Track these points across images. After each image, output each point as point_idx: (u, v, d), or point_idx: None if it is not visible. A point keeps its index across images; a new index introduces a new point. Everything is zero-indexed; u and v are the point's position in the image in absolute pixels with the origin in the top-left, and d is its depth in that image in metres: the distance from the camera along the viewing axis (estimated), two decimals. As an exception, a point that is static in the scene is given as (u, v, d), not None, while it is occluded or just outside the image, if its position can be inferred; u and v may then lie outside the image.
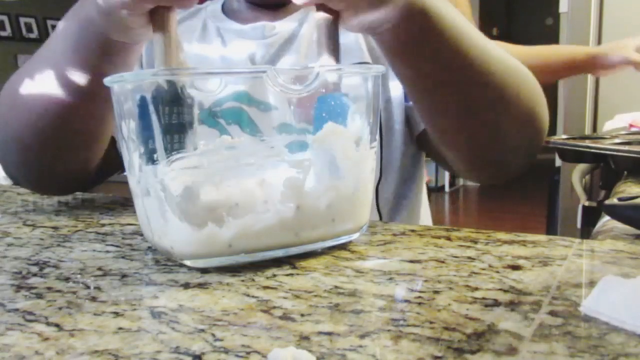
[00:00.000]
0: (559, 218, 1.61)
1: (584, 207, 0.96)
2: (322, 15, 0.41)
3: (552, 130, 0.95)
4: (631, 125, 1.10)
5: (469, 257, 0.37)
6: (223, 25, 0.69)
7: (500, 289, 0.31)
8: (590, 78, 1.58)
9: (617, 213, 0.44)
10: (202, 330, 0.27)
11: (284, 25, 0.66)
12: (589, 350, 0.23)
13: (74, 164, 0.57)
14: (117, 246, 0.42)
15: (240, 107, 0.48)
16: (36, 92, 0.51)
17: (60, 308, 0.30)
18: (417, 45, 0.43)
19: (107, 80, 0.37)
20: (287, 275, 0.35)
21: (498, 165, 0.54)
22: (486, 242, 0.40)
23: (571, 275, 0.33)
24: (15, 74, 0.54)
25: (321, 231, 0.38)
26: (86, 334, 0.27)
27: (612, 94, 1.54)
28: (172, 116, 0.35)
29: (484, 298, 0.30)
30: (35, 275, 0.36)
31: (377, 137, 0.41)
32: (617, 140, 0.78)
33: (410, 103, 0.63)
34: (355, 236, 0.40)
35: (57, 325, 0.28)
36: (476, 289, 0.31)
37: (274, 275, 0.35)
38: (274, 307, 0.29)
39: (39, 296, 0.32)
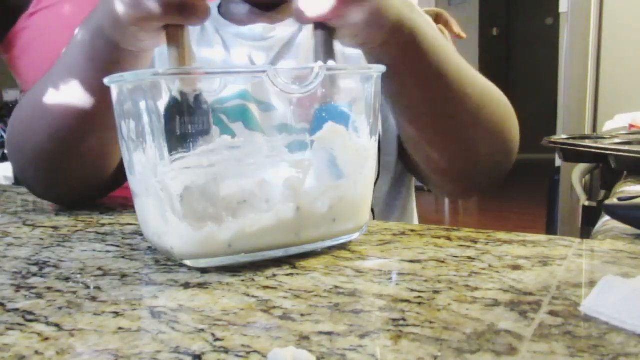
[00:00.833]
0: (559, 218, 1.61)
1: (584, 207, 0.96)
2: (320, 30, 0.42)
3: (552, 130, 0.95)
4: (631, 126, 1.10)
5: (469, 257, 0.37)
6: (221, 27, 0.69)
7: (500, 289, 0.31)
8: (590, 78, 1.58)
9: (617, 213, 0.44)
10: (202, 330, 0.27)
11: (282, 29, 0.66)
12: (589, 350, 0.23)
13: (94, 173, 0.57)
14: (117, 246, 0.42)
15: (245, 105, 0.48)
16: (54, 103, 0.51)
17: (60, 308, 0.30)
18: (403, 61, 0.46)
19: (106, 80, 0.37)
20: (287, 275, 0.35)
21: (468, 183, 0.57)
22: (486, 242, 0.40)
23: (571, 275, 0.33)
24: (33, 88, 0.55)
25: (321, 231, 0.38)
26: (86, 334, 0.27)
27: (612, 94, 1.54)
28: (189, 125, 0.35)
29: (484, 298, 0.30)
30: (35, 275, 0.36)
31: (377, 136, 0.41)
32: (617, 140, 0.78)
33: None
34: (355, 236, 0.40)
35: (57, 325, 0.28)
36: (476, 289, 0.31)
37: (274, 275, 0.35)
38: (274, 307, 0.29)
39: (39, 296, 0.32)
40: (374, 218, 0.65)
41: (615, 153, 0.69)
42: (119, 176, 0.61)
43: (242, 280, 0.34)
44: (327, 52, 0.42)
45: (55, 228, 0.49)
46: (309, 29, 0.65)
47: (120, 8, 0.42)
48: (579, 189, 1.07)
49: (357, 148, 0.39)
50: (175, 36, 0.40)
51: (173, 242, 0.35)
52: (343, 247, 0.40)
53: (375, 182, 0.64)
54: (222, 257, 0.35)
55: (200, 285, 0.33)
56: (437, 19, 1.21)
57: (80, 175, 0.56)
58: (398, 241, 0.41)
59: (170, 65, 0.40)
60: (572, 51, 1.62)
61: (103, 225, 0.49)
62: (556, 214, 1.62)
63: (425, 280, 0.33)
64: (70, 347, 0.25)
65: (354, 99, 0.39)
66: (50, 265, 0.38)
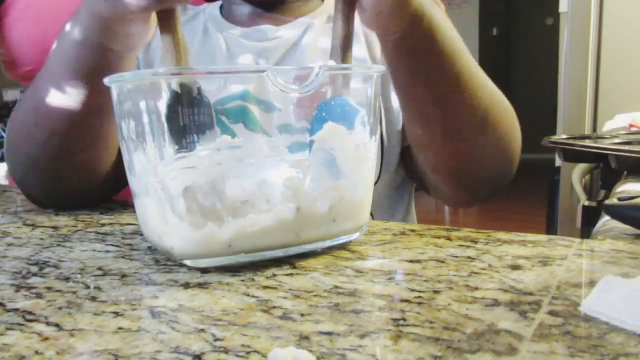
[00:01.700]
0: (558, 218, 1.61)
1: (584, 207, 0.96)
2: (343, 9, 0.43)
3: (552, 130, 0.95)
4: (631, 126, 1.10)
5: (469, 257, 0.37)
6: (224, 29, 0.68)
7: (500, 289, 0.31)
8: (590, 78, 1.58)
9: (617, 213, 0.44)
10: (202, 330, 0.27)
11: (287, 31, 0.66)
12: (589, 350, 0.23)
13: (90, 177, 0.56)
14: (117, 246, 0.42)
15: (245, 106, 0.48)
16: (43, 111, 0.51)
17: (60, 308, 0.30)
18: (418, 53, 0.46)
19: (106, 80, 0.37)
20: (287, 275, 0.35)
21: (470, 189, 0.57)
22: (486, 242, 0.40)
23: (571, 275, 0.33)
24: (23, 95, 0.55)
25: (321, 231, 0.38)
26: (86, 334, 0.27)
27: (612, 94, 1.54)
28: (193, 117, 0.35)
29: (483, 298, 0.30)
30: (35, 275, 0.36)
31: (377, 136, 0.41)
32: (617, 140, 0.78)
33: None
34: (355, 236, 0.40)
35: (57, 325, 0.28)
36: (476, 288, 0.31)
37: (274, 275, 0.35)
38: (274, 307, 0.29)
39: (39, 296, 0.32)
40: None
41: (615, 153, 0.69)
42: (121, 178, 0.61)
43: (242, 280, 0.34)
44: (346, 21, 0.43)
45: (55, 228, 0.49)
46: (314, 31, 0.65)
47: (105, 7, 0.42)
48: (579, 189, 1.07)
49: (357, 148, 0.39)
50: (168, 24, 0.40)
51: (173, 242, 0.35)
52: (343, 247, 0.40)
53: (376, 183, 0.64)
54: (222, 257, 0.35)
55: (200, 285, 0.33)
56: None
57: (78, 178, 0.56)
58: (398, 241, 0.41)
59: (164, 51, 0.40)
60: (572, 51, 1.62)
61: (103, 225, 0.49)
62: (556, 214, 1.62)
63: (425, 280, 0.33)
64: (70, 347, 0.25)
65: (354, 99, 0.39)
66: (50, 265, 0.38)
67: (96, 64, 0.47)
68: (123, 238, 0.45)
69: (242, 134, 0.37)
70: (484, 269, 0.34)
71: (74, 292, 0.33)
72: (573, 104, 1.62)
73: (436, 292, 0.31)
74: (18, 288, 0.34)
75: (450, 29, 0.48)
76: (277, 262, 0.37)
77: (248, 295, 0.31)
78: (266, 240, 0.36)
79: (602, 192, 0.94)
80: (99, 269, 0.37)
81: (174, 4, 0.40)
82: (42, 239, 0.45)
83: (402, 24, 0.43)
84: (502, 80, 4.77)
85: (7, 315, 0.29)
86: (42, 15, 0.88)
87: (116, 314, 0.29)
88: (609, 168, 0.74)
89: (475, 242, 0.40)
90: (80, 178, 0.56)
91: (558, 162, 1.66)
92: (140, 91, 0.35)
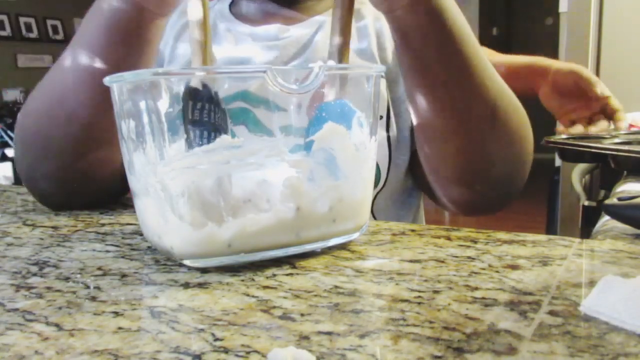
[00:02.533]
0: (558, 218, 1.61)
1: (584, 207, 0.96)
2: None
3: (552, 130, 0.95)
4: (631, 125, 1.10)
5: (469, 257, 0.37)
6: (234, 27, 0.67)
7: (500, 289, 0.31)
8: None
9: (617, 213, 0.44)
10: (202, 330, 0.27)
11: (298, 30, 0.64)
12: (589, 350, 0.23)
13: (105, 168, 0.55)
14: (117, 246, 0.42)
15: (247, 108, 0.48)
16: (70, 82, 0.51)
17: (60, 308, 0.30)
18: (423, 32, 0.45)
19: (107, 80, 0.37)
20: (287, 275, 0.35)
21: (476, 192, 0.53)
22: (486, 242, 0.40)
23: (571, 275, 0.33)
24: (45, 76, 0.54)
25: (321, 231, 0.38)
26: (86, 334, 0.27)
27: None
28: (209, 115, 0.35)
29: (483, 298, 0.30)
30: (35, 275, 0.36)
31: (377, 137, 0.41)
32: (617, 140, 0.78)
33: None
34: (355, 236, 0.40)
35: (57, 325, 0.28)
36: (476, 288, 0.31)
37: (274, 275, 0.35)
38: (274, 307, 0.29)
39: (39, 296, 0.32)
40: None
41: (614, 153, 0.69)
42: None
43: (242, 280, 0.34)
44: (346, 20, 0.44)
45: (55, 228, 0.49)
46: (326, 30, 0.64)
47: None
48: (579, 189, 1.07)
49: (357, 148, 0.39)
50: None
51: (173, 242, 0.35)
52: (343, 247, 0.40)
53: (383, 187, 0.63)
54: (222, 257, 0.35)
55: (200, 285, 0.33)
56: None
57: (95, 171, 0.54)
58: (398, 241, 0.41)
59: (191, 33, 0.41)
60: (571, 51, 1.62)
61: (103, 225, 0.49)
62: (556, 214, 1.62)
63: (425, 280, 0.33)
64: (70, 347, 0.25)
65: (354, 99, 0.39)
66: (50, 265, 0.38)
67: (130, 25, 0.47)
68: (123, 238, 0.45)
69: (244, 136, 0.37)
70: (483, 269, 0.34)
71: (74, 292, 0.33)
72: (573, 104, 1.62)
73: (436, 292, 0.31)
74: (18, 288, 0.34)
75: (459, 13, 0.46)
76: (277, 262, 0.37)
77: (248, 295, 0.31)
78: (266, 240, 0.36)
79: (602, 192, 0.94)
80: (99, 269, 0.37)
81: None
82: (42, 239, 0.45)
83: None
84: (502, 80, 4.76)
85: (7, 315, 0.29)
86: None
87: (116, 314, 0.29)
88: (609, 168, 0.74)
89: (475, 242, 0.40)
90: (98, 171, 0.54)
91: (558, 162, 1.66)
92: (140, 91, 0.35)
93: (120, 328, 0.27)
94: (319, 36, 0.64)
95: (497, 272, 0.34)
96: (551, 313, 0.27)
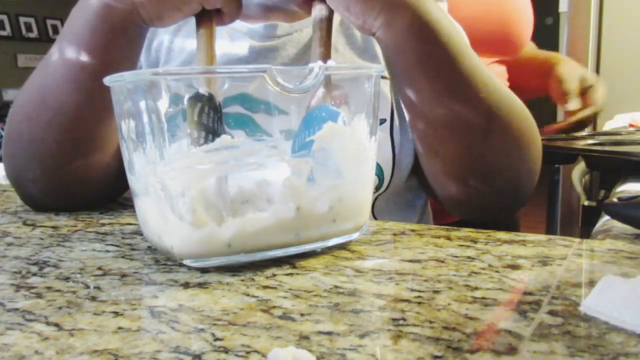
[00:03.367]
0: (558, 218, 1.61)
1: (583, 206, 0.96)
2: (320, 12, 0.45)
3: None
4: (631, 125, 1.10)
5: (469, 257, 0.37)
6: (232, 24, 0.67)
7: (500, 289, 0.31)
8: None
9: (617, 213, 0.44)
10: (202, 330, 0.27)
11: (299, 30, 0.63)
12: (589, 349, 0.23)
13: (93, 172, 0.54)
14: (117, 246, 0.42)
15: (246, 114, 0.48)
16: (52, 84, 0.50)
17: (60, 308, 0.30)
18: (399, 49, 0.46)
19: (107, 80, 0.37)
20: (287, 275, 0.35)
21: (481, 198, 0.52)
22: (486, 242, 0.40)
23: (571, 274, 0.33)
24: (30, 76, 0.53)
25: (321, 231, 0.38)
26: (86, 334, 0.27)
27: (612, 94, 1.54)
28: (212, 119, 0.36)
29: (483, 298, 0.30)
30: (35, 274, 0.36)
31: (378, 137, 0.41)
32: (590, 142, 0.79)
33: None
34: (355, 236, 0.40)
35: (56, 325, 0.28)
36: (476, 288, 0.31)
37: (274, 275, 0.35)
38: (274, 307, 0.29)
39: (39, 296, 0.32)
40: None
41: (585, 154, 0.70)
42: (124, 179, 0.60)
43: (242, 280, 0.34)
44: (325, 38, 0.45)
45: (55, 228, 0.49)
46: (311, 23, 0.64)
47: None
48: (579, 189, 1.07)
49: (357, 148, 0.39)
50: (206, 24, 0.44)
51: (173, 242, 0.35)
52: (343, 247, 0.40)
53: (387, 188, 0.63)
54: (222, 257, 0.35)
55: (200, 285, 0.33)
56: None
57: (83, 170, 0.53)
58: (398, 241, 0.41)
59: (198, 52, 0.42)
60: (571, 51, 1.62)
61: (103, 225, 0.49)
62: (556, 214, 1.62)
63: (425, 280, 0.33)
64: (70, 346, 0.25)
65: (353, 99, 0.39)
66: (50, 265, 0.38)
67: (117, 23, 0.47)
68: (123, 238, 0.45)
69: (242, 140, 0.37)
70: (483, 268, 0.34)
71: (74, 292, 0.33)
72: (573, 104, 1.62)
73: (436, 292, 0.31)
74: (18, 288, 0.34)
75: (444, 23, 0.46)
76: (277, 262, 0.37)
77: (248, 295, 0.31)
78: (266, 240, 0.36)
79: (602, 192, 0.94)
80: (99, 268, 0.37)
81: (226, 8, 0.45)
82: (42, 238, 0.45)
83: (377, 13, 0.44)
84: (502, 80, 4.75)
85: (7, 315, 0.29)
86: None
87: (116, 313, 0.29)
88: (608, 168, 0.75)
89: (475, 242, 0.40)
90: (88, 175, 0.53)
91: (558, 162, 1.65)
92: (140, 91, 0.35)
93: (120, 328, 0.27)
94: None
95: (497, 272, 0.34)
96: (551, 313, 0.27)
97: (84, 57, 0.48)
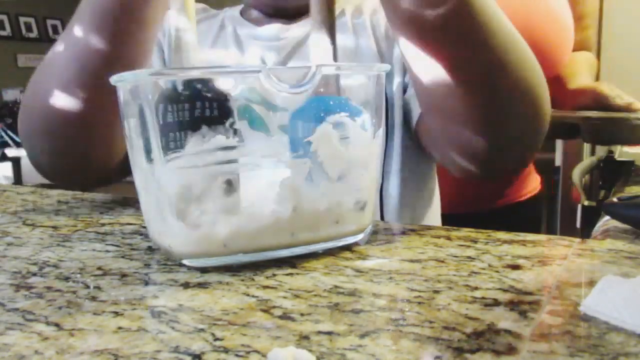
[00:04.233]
0: (559, 218, 1.61)
1: (583, 206, 0.96)
2: None
3: (552, 130, 0.96)
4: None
5: (469, 257, 0.37)
6: (240, 28, 0.70)
7: (500, 289, 0.31)
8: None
9: (617, 213, 0.44)
10: (202, 330, 0.27)
11: (296, 29, 0.67)
12: (589, 349, 0.23)
13: (105, 146, 0.56)
14: (117, 246, 0.42)
15: (248, 105, 0.47)
16: (61, 62, 0.52)
17: (60, 308, 0.30)
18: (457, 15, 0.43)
19: (113, 79, 0.37)
20: (287, 274, 0.35)
21: (495, 147, 0.51)
22: (486, 242, 0.40)
23: (571, 274, 0.33)
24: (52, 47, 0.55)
25: (322, 233, 0.38)
26: (86, 334, 0.27)
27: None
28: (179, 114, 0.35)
29: (483, 297, 0.30)
30: (35, 274, 0.36)
31: (381, 136, 0.41)
32: (588, 114, 0.79)
33: (407, 94, 0.63)
34: (360, 237, 0.40)
35: (57, 325, 0.28)
36: (476, 288, 0.31)
37: (274, 275, 0.35)
38: (274, 307, 0.29)
39: (39, 296, 0.32)
40: (381, 218, 0.64)
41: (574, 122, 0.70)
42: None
43: (242, 280, 0.34)
44: (326, 17, 0.44)
45: (55, 228, 0.49)
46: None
47: None
48: (579, 189, 1.07)
49: (358, 148, 0.39)
50: None
51: (171, 241, 0.35)
52: (343, 247, 0.40)
53: (382, 186, 0.63)
54: (219, 257, 0.35)
55: (200, 285, 0.33)
56: None
57: (92, 143, 0.55)
58: (398, 241, 0.41)
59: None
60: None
61: (103, 225, 0.49)
62: (556, 214, 1.62)
63: (425, 280, 0.33)
64: (70, 346, 0.25)
65: (357, 98, 0.39)
66: (50, 265, 0.38)
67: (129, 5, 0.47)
68: (123, 238, 0.45)
69: (245, 132, 0.37)
70: (483, 268, 0.34)
71: (74, 292, 0.33)
72: (573, 104, 1.62)
73: (436, 292, 0.31)
74: (18, 288, 0.34)
75: None
76: (277, 262, 0.37)
77: (248, 295, 0.31)
78: (262, 240, 0.36)
79: (602, 192, 0.94)
80: (99, 268, 0.37)
81: None
82: (42, 238, 0.45)
83: None
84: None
85: (7, 315, 0.29)
86: None
87: (116, 313, 0.29)
88: (608, 168, 0.75)
89: (475, 242, 0.40)
90: (96, 151, 0.55)
91: (558, 162, 1.66)
92: (139, 90, 0.35)
93: (120, 328, 0.27)
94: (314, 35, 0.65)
95: (497, 272, 0.34)
96: (551, 313, 0.27)
97: (93, 40, 0.49)
